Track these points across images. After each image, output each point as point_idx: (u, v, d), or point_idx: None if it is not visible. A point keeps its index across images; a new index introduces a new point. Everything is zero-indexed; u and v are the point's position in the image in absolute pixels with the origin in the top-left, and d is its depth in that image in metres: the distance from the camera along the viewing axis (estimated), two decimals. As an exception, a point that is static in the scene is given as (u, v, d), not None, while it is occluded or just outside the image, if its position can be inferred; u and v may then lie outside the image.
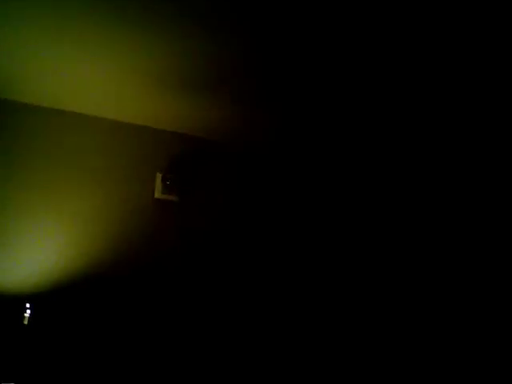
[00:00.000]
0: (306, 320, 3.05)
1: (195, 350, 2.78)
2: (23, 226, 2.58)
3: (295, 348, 2.98)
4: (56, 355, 2.50)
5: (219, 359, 2.82)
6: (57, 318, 2.54)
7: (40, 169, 2.67)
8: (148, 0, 1.78)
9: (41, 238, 2.61)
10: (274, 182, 3.21)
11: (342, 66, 2.20)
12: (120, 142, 2.88)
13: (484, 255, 2.74)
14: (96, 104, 2.72)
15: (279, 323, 2.99)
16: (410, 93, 2.39)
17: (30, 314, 2.39)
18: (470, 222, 2.84)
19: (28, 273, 2.53)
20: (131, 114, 2.81)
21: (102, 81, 2.44)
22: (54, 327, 2.52)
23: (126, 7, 1.84)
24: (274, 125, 2.87)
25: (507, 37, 1.90)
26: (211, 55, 2.16)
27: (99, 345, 2.59)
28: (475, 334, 2.67)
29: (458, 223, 2.89)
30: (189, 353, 2.77)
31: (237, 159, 3.17)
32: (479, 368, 2.60)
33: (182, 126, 2.94)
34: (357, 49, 2.05)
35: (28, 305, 2.40)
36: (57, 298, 2.56)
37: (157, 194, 2.90)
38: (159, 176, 2.92)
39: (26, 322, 2.38)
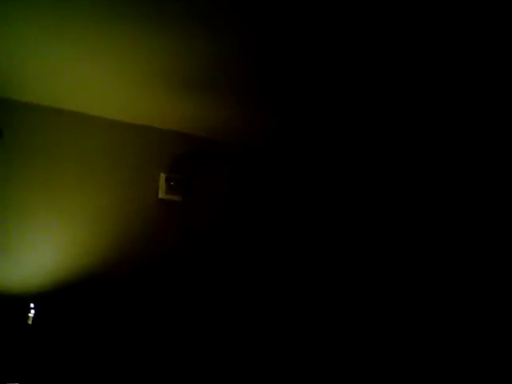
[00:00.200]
0: (312, 319, 3.04)
1: (200, 349, 2.78)
2: (28, 226, 2.58)
3: (299, 348, 2.97)
4: (60, 355, 2.49)
5: (224, 358, 2.81)
6: (61, 317, 2.54)
7: (45, 169, 2.67)
8: (152, -1, 1.79)
9: (45, 238, 2.60)
10: (278, 182, 3.21)
11: (345, 66, 2.20)
12: (124, 142, 2.87)
13: (484, 255, 2.73)
14: (99, 104, 2.71)
15: (284, 323, 2.98)
16: (412, 92, 2.39)
17: (34, 314, 2.40)
18: (469, 222, 2.83)
19: (32, 273, 2.53)
20: (135, 114, 2.81)
21: (104, 81, 2.44)
22: (58, 327, 2.52)
23: (128, 6, 1.84)
24: (278, 125, 2.87)
25: (507, 37, 1.90)
26: (216, 55, 2.16)
27: (103, 344, 2.59)
28: (475, 334, 2.67)
29: (458, 223, 2.88)
30: (193, 351, 2.76)
31: (241, 159, 3.16)
32: (479, 368, 2.59)
33: (186, 126, 2.94)
34: (361, 49, 2.05)
35: (32, 305, 2.40)
36: (61, 297, 2.55)
37: (161, 194, 2.90)
38: (163, 176, 2.92)
39: (30, 322, 2.38)
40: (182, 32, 1.98)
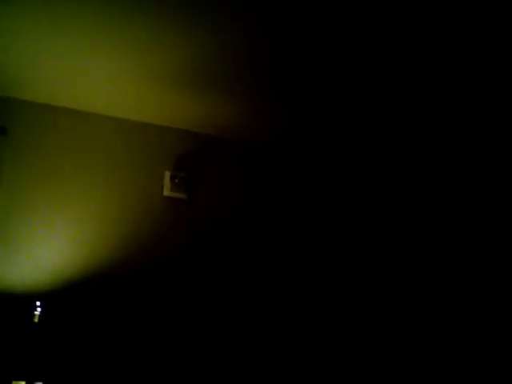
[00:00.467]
0: (319, 319, 3.01)
1: (206, 348, 2.75)
2: (35, 224, 2.57)
3: (306, 348, 2.94)
4: (66, 353, 2.47)
5: (231, 357, 2.78)
6: (67, 316, 2.52)
7: (50, 167, 2.67)
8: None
9: (51, 237, 2.59)
10: (284, 181, 3.19)
11: (356, 58, 2.18)
12: (128, 140, 2.87)
13: (484, 255, 2.71)
14: (104, 103, 2.71)
15: (290, 322, 2.95)
16: (418, 90, 2.39)
17: (41, 313, 2.38)
18: (469, 222, 2.82)
19: (38, 271, 2.52)
20: (139, 112, 2.81)
21: (110, 79, 2.45)
22: (64, 325, 2.50)
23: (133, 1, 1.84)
24: (285, 121, 2.86)
25: (507, 37, 1.90)
26: (223, 44, 2.13)
27: (109, 343, 2.56)
28: (475, 334, 2.64)
29: (458, 223, 2.87)
30: (199, 350, 2.73)
31: (246, 157, 3.15)
32: (479, 368, 2.57)
33: (191, 124, 2.93)
34: (370, 45, 2.05)
35: (38, 303, 2.38)
36: (67, 296, 2.53)
37: (166, 192, 2.89)
38: (168, 174, 2.91)
39: (36, 320, 2.36)
40: (187, 21, 1.97)
